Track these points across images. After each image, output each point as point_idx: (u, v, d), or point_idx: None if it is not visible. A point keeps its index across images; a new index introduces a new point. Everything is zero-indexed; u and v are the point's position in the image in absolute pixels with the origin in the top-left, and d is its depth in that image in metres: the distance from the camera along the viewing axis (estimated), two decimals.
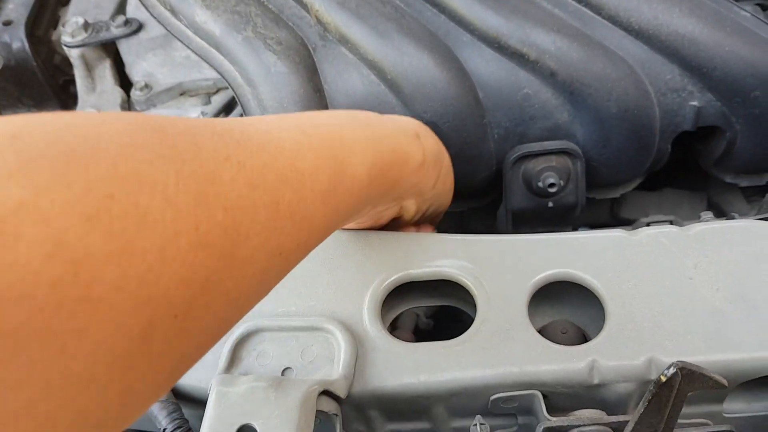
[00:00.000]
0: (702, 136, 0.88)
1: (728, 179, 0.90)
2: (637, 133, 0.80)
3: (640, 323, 0.59)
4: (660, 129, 0.81)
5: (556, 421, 0.55)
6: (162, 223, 0.31)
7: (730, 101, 0.78)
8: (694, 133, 0.87)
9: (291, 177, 0.43)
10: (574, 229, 1.02)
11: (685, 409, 0.61)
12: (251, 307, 0.43)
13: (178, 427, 0.60)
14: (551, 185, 0.80)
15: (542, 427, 0.55)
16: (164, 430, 0.60)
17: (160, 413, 0.61)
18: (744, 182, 0.90)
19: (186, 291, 0.33)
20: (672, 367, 0.43)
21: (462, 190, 0.87)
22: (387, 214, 0.68)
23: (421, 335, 0.81)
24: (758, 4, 0.88)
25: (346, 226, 0.69)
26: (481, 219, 0.97)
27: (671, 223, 0.85)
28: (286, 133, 0.46)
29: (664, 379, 0.44)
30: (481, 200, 0.90)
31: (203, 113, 0.97)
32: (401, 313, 0.89)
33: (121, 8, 1.03)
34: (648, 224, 0.89)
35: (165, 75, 1.00)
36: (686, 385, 0.45)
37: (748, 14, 0.77)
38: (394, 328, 1.06)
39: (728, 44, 0.75)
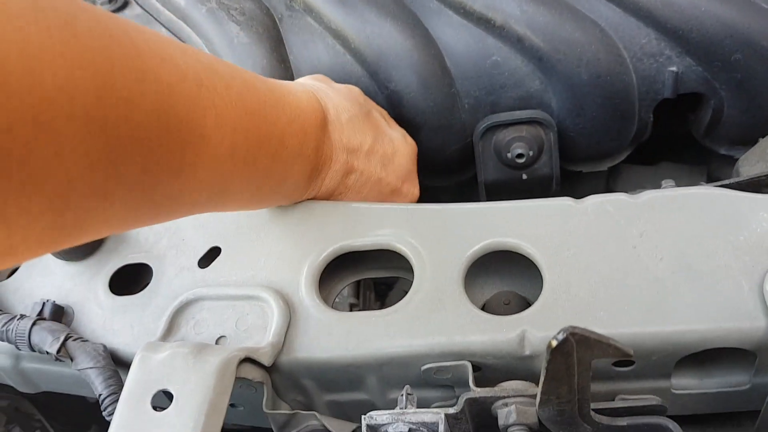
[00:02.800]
0: (692, 106, 0.84)
1: (723, 151, 0.86)
2: (611, 100, 0.76)
3: (576, 293, 0.56)
4: (638, 96, 0.77)
5: (480, 392, 0.53)
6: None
7: (711, 65, 0.74)
8: (685, 103, 0.82)
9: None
10: None
11: (631, 384, 0.58)
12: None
13: (113, 393, 0.60)
14: (519, 156, 0.77)
15: (465, 398, 0.53)
16: (100, 395, 0.61)
17: (96, 379, 0.61)
18: (739, 154, 0.85)
19: None
20: (562, 333, 0.41)
21: (436, 162, 0.85)
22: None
23: None
24: None
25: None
26: (464, 197, 0.94)
27: None
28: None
29: (554, 344, 0.41)
30: (459, 175, 0.88)
31: None
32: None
33: None
34: None
35: None
36: (584, 352, 0.42)
37: None
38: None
39: (704, 5, 0.71)
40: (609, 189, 0.97)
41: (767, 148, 0.65)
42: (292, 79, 0.79)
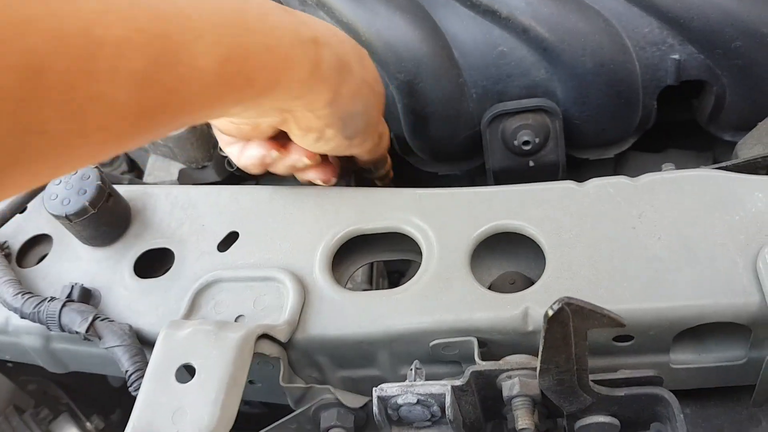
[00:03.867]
0: (696, 93, 0.86)
1: (727, 137, 0.87)
2: (615, 88, 0.79)
3: (577, 271, 0.59)
4: (642, 84, 0.79)
5: (485, 365, 0.56)
6: None
7: (712, 53, 0.76)
8: (689, 90, 0.84)
9: (75, 42, 0.36)
10: None
11: (631, 359, 0.61)
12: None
13: (139, 369, 0.64)
14: (525, 143, 0.80)
15: (471, 371, 0.56)
16: (126, 371, 0.64)
17: (123, 356, 0.65)
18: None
19: None
20: (557, 303, 0.44)
21: (445, 151, 0.88)
22: (267, 122, 0.62)
23: None
24: None
25: (217, 123, 0.66)
26: (475, 185, 0.96)
27: None
28: None
29: (551, 313, 0.44)
30: (469, 162, 0.91)
31: None
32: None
33: None
34: None
35: None
36: (580, 322, 0.45)
37: None
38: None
39: None
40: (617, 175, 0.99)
41: (765, 132, 0.67)
42: None
